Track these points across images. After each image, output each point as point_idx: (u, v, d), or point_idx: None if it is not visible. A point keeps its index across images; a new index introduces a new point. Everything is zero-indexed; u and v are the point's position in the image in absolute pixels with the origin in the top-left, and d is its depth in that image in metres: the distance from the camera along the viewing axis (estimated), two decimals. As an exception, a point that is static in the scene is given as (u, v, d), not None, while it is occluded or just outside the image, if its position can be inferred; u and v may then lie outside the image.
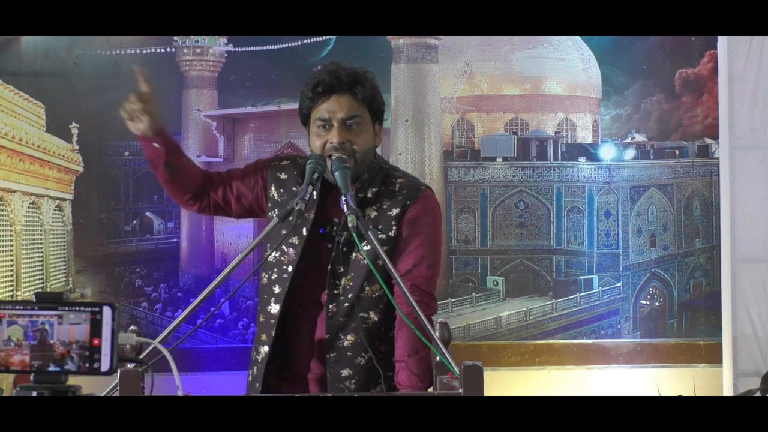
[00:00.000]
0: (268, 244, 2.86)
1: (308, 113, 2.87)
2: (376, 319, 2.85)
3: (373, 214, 2.86)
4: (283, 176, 2.94)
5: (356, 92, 2.83)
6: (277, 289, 2.88)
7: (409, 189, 2.89)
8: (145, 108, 2.83)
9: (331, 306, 2.84)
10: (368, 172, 2.88)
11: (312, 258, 2.86)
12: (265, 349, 2.87)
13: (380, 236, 2.81)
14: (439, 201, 3.05)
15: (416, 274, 2.83)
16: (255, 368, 2.91)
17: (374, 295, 2.84)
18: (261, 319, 2.92)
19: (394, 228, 2.85)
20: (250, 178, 3.00)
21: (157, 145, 2.87)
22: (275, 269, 2.89)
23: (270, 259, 2.89)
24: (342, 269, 2.83)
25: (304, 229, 2.85)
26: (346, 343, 2.84)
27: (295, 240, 2.86)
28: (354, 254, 2.81)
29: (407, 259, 2.84)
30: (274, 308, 2.87)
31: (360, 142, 2.82)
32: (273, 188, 2.94)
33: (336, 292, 2.84)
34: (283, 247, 2.86)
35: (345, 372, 2.84)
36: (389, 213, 2.85)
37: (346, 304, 2.83)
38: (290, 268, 2.86)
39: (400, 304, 2.63)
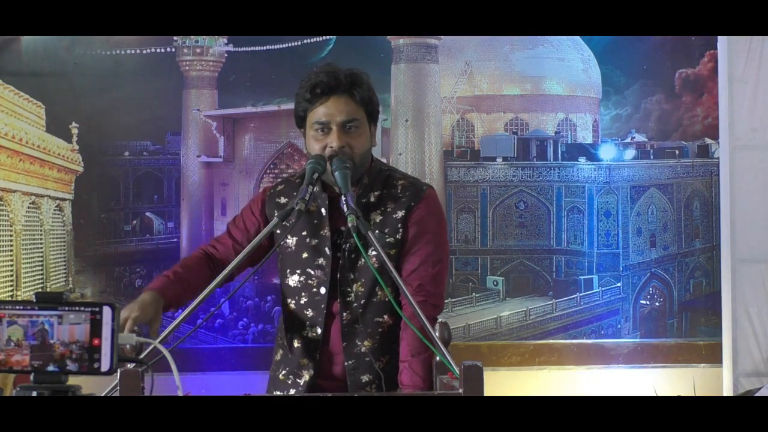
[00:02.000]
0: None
1: (304, 115, 2.85)
2: (390, 322, 2.85)
3: (378, 218, 2.85)
4: (283, 200, 2.93)
5: (354, 93, 2.82)
6: (311, 313, 2.86)
7: (411, 190, 2.88)
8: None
9: (344, 314, 2.84)
10: (368, 177, 2.87)
11: None
12: (311, 373, 2.87)
13: (387, 240, 2.82)
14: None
15: (422, 273, 2.83)
16: (293, 391, 2.88)
17: (386, 299, 2.83)
18: (296, 345, 2.89)
19: (400, 230, 2.84)
20: (252, 225, 2.95)
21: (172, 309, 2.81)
22: (303, 293, 2.87)
23: (292, 284, 2.88)
24: (352, 276, 2.83)
25: (327, 249, 2.84)
26: (363, 348, 2.84)
27: (320, 261, 2.85)
28: (362, 260, 2.80)
29: (413, 259, 2.84)
30: (313, 331, 2.86)
31: (359, 145, 2.81)
32: (276, 215, 2.92)
33: (348, 299, 2.83)
34: (308, 270, 2.86)
35: (365, 378, 2.85)
36: (394, 216, 2.85)
37: (360, 310, 2.82)
38: (323, 290, 2.85)
39: (404, 305, 2.64)
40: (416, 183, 2.94)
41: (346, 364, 2.84)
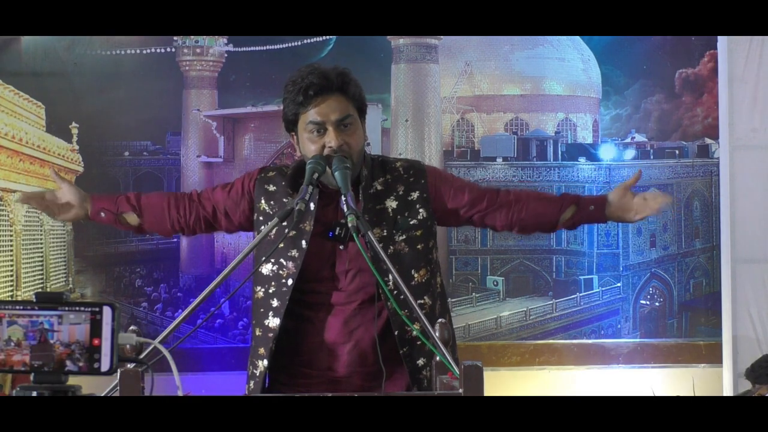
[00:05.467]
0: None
1: (296, 119, 2.85)
2: (430, 302, 2.86)
3: (394, 203, 2.87)
4: (272, 188, 2.93)
5: (346, 91, 2.83)
6: (275, 303, 2.87)
7: (413, 168, 2.93)
8: (56, 205, 2.93)
9: (388, 303, 2.83)
10: (366, 168, 2.89)
11: (324, 263, 2.87)
12: (264, 363, 2.87)
13: (411, 222, 2.86)
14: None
15: (482, 188, 3.00)
16: (252, 383, 2.91)
17: (423, 280, 2.88)
18: (257, 333, 2.91)
19: (420, 210, 2.88)
20: (237, 195, 2.97)
21: (103, 214, 2.97)
22: (272, 282, 2.88)
23: (265, 272, 2.88)
24: (385, 266, 2.82)
25: (303, 242, 2.84)
26: (414, 333, 2.85)
27: (294, 253, 2.85)
28: (391, 247, 2.82)
29: (463, 193, 2.95)
30: (273, 322, 2.87)
31: (355, 142, 2.82)
32: (262, 201, 2.92)
33: (390, 287, 2.82)
34: (281, 260, 2.86)
35: (420, 361, 2.86)
36: (409, 198, 2.88)
37: (402, 297, 2.83)
38: (290, 282, 2.85)
39: (511, 204, 2.92)
40: (413, 162, 3.00)
41: (401, 352, 2.83)
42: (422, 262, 2.87)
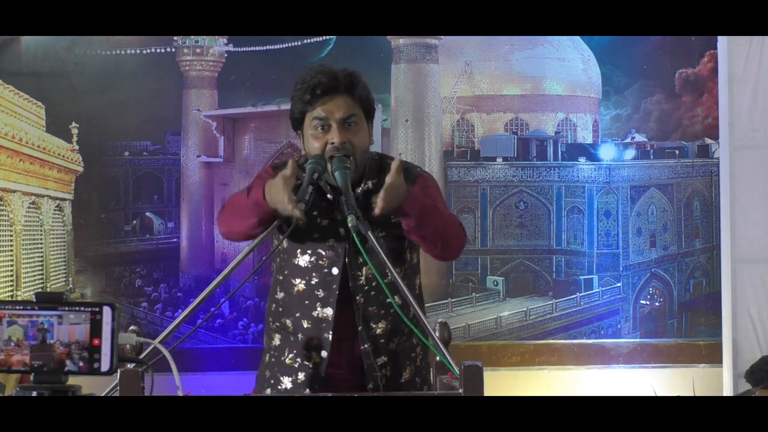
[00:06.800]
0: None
1: (302, 117, 2.86)
2: (400, 302, 2.85)
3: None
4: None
5: (353, 93, 2.83)
6: (321, 293, 2.86)
7: (406, 171, 2.86)
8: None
9: (358, 297, 2.84)
10: (365, 173, 2.89)
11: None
12: (323, 353, 2.85)
13: (393, 220, 2.82)
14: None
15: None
16: (301, 374, 2.87)
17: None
18: (306, 326, 2.87)
19: None
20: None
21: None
22: (314, 273, 2.86)
23: (303, 264, 2.87)
24: (361, 259, 2.82)
25: (341, 230, 2.84)
26: (378, 331, 2.85)
27: (332, 242, 2.85)
28: (368, 242, 2.80)
29: None
30: (324, 312, 2.85)
31: (358, 141, 2.82)
32: None
33: (360, 282, 2.84)
34: (318, 250, 2.85)
35: (381, 360, 2.86)
36: None
37: (372, 293, 2.83)
38: (335, 270, 2.84)
39: None
40: (409, 165, 2.95)
41: (362, 347, 2.84)
42: (397, 261, 2.82)
